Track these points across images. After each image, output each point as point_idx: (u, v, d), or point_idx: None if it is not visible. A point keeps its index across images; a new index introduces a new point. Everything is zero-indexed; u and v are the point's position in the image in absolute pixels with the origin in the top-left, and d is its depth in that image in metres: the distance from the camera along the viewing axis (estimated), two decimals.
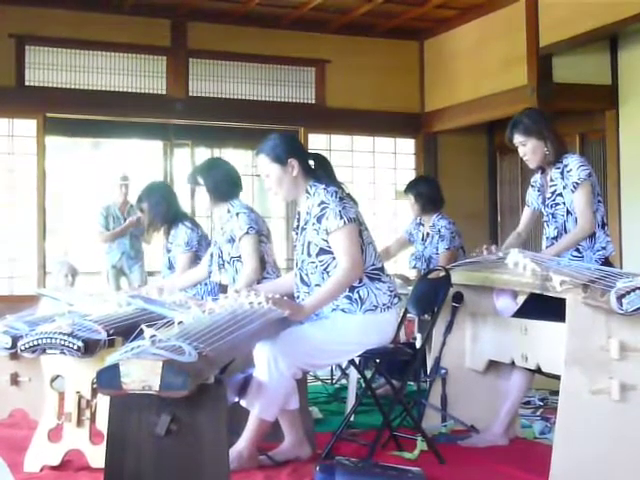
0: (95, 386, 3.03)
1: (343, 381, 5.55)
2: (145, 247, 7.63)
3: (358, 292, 3.42)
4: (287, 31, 8.38)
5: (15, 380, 3.90)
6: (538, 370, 3.56)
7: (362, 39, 8.67)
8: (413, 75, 8.91)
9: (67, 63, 7.81)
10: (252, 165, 8.27)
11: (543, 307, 3.39)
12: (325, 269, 3.44)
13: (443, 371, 4.02)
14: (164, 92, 8.11)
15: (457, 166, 8.95)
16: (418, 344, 4.37)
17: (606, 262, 3.79)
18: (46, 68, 7.74)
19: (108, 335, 3.09)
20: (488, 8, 7.93)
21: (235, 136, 8.87)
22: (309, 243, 3.47)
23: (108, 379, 2.23)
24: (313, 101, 8.65)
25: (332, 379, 5.77)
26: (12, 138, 7.66)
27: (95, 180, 9.00)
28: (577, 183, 3.79)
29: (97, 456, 3.23)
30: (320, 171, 3.57)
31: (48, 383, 3.37)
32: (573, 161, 3.84)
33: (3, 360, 3.78)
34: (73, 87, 7.82)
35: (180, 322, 2.74)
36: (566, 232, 3.85)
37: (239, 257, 4.21)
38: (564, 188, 3.85)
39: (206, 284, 4.75)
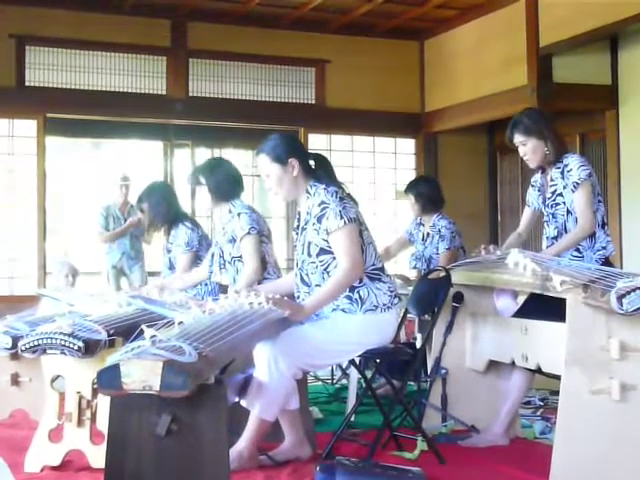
0: (96, 386, 3.02)
1: (343, 381, 5.55)
2: (145, 247, 7.63)
3: (358, 292, 3.42)
4: (287, 31, 8.38)
5: (15, 380, 3.90)
6: (538, 370, 3.56)
7: (362, 39, 8.67)
8: (413, 75, 8.91)
9: (67, 63, 7.81)
10: (252, 165, 8.26)
11: (543, 307, 3.40)
12: (325, 269, 3.44)
13: (443, 371, 4.02)
14: (164, 92, 8.11)
15: (457, 166, 8.95)
16: (418, 344, 4.37)
17: (606, 262, 3.80)
18: (46, 68, 7.74)
19: (108, 335, 3.09)
20: (488, 8, 7.93)
21: (235, 136, 8.87)
22: (309, 243, 3.47)
23: (109, 379, 2.23)
24: (313, 101, 8.65)
25: (332, 379, 5.77)
26: (12, 138, 7.66)
27: (95, 180, 9.00)
28: (577, 183, 3.79)
29: (98, 456, 3.23)
30: (320, 171, 3.57)
31: (49, 383, 3.37)
32: (573, 161, 3.84)
33: (3, 360, 3.78)
34: (73, 87, 7.82)
35: (180, 322, 2.74)
36: (566, 232, 3.85)
37: (240, 257, 4.21)
38: (564, 188, 3.85)
39: (206, 284, 4.76)
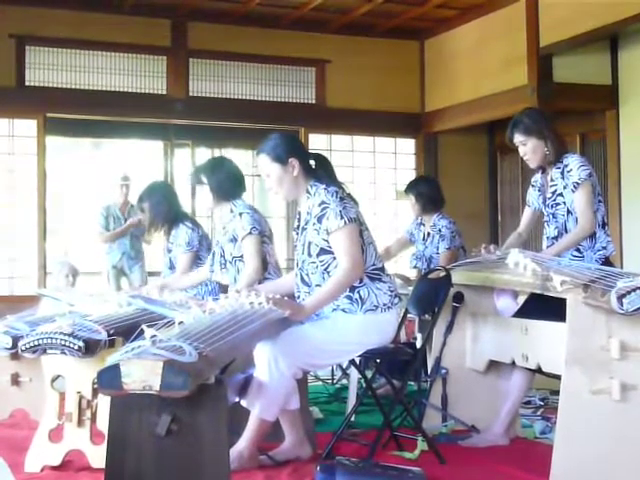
0: (96, 386, 3.03)
1: (344, 381, 5.55)
2: (145, 247, 7.63)
3: (359, 292, 3.42)
4: (287, 31, 8.38)
5: (16, 380, 3.90)
6: (539, 370, 3.56)
7: (362, 39, 8.67)
8: (413, 75, 8.91)
9: (67, 63, 7.81)
10: (252, 165, 8.27)
11: (544, 307, 3.40)
12: (326, 269, 3.44)
13: (444, 371, 4.02)
14: (164, 92, 8.11)
15: (457, 166, 8.95)
16: (418, 344, 4.37)
17: (606, 262, 3.79)
18: (46, 68, 7.74)
19: (109, 335, 3.09)
20: (488, 8, 7.93)
21: (235, 136, 8.87)
22: (310, 243, 3.47)
23: (109, 379, 2.23)
24: (313, 101, 8.65)
25: (333, 379, 5.77)
26: (12, 138, 7.66)
27: (95, 180, 9.00)
28: (577, 183, 3.79)
29: (98, 456, 3.23)
30: (321, 171, 3.57)
31: (49, 383, 3.37)
32: (573, 161, 3.84)
33: (4, 360, 3.78)
34: (73, 87, 7.82)
35: (180, 322, 2.74)
36: (567, 232, 3.85)
37: (241, 257, 4.21)
38: (564, 188, 3.84)
39: (207, 284, 4.76)
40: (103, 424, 3.18)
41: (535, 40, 7.36)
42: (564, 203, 3.85)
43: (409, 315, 4.30)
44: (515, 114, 4.02)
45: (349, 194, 3.54)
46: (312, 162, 3.59)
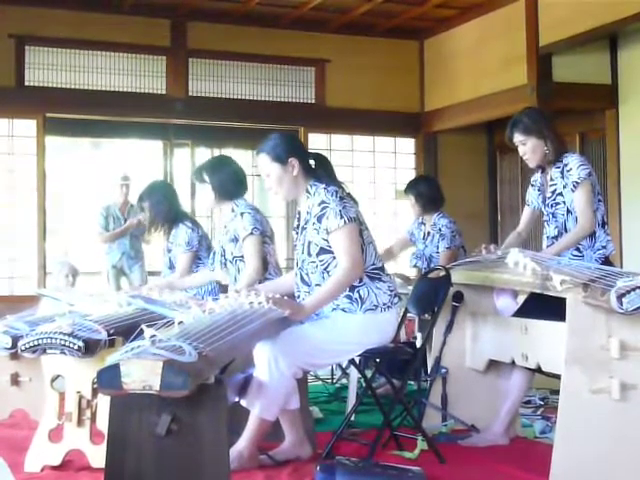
0: (96, 386, 3.02)
1: (344, 380, 5.55)
2: (145, 247, 7.62)
3: (358, 292, 3.42)
4: (287, 31, 8.38)
5: (15, 380, 3.90)
6: (538, 369, 3.56)
7: (362, 39, 8.67)
8: (413, 75, 8.91)
9: (67, 63, 7.81)
10: (252, 165, 8.26)
11: (543, 306, 3.39)
12: (325, 269, 3.44)
13: (443, 370, 4.02)
14: (164, 92, 8.11)
15: (457, 165, 8.95)
16: (418, 343, 4.37)
17: (606, 261, 3.80)
18: (46, 68, 7.74)
19: (108, 335, 3.09)
20: (488, 7, 7.93)
21: (235, 136, 8.87)
22: (309, 243, 3.47)
23: (109, 379, 2.23)
24: (313, 101, 8.65)
25: (332, 378, 5.77)
26: (12, 138, 7.66)
27: (95, 180, 9.00)
28: (577, 182, 3.79)
29: (98, 456, 3.23)
30: (320, 171, 3.57)
31: (48, 383, 3.37)
32: (573, 160, 3.84)
33: (3, 360, 3.78)
34: (73, 87, 7.82)
35: (180, 322, 2.74)
36: (566, 231, 3.85)
37: (242, 257, 4.21)
38: (564, 187, 3.85)
39: (207, 284, 4.76)
40: (103, 424, 3.17)
41: (535, 39, 7.36)
42: (564, 202, 3.85)
43: (409, 314, 4.30)
44: (515, 113, 4.02)
45: (349, 194, 3.54)
46: (312, 162, 3.59)
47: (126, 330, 3.12)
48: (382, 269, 3.51)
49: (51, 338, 3.00)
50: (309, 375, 4.44)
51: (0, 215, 7.62)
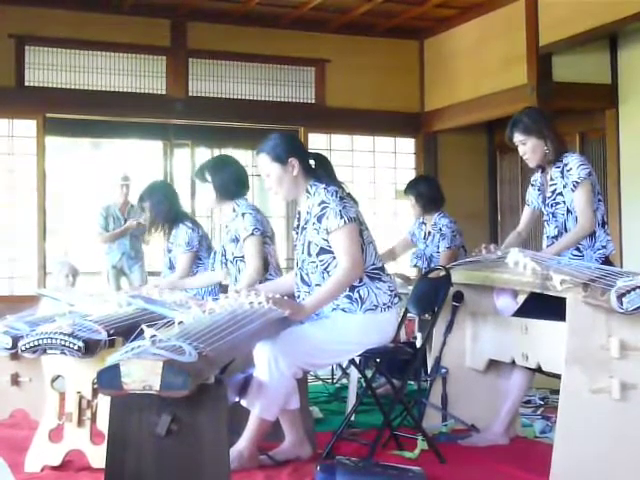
0: (96, 386, 3.02)
1: (344, 380, 5.55)
2: (145, 247, 7.62)
3: (358, 292, 3.42)
4: (287, 31, 8.38)
5: (16, 380, 3.90)
6: (538, 369, 3.56)
7: (362, 39, 8.67)
8: (413, 74, 8.91)
9: (67, 63, 7.81)
10: (252, 165, 8.26)
11: (543, 306, 3.39)
12: (325, 269, 3.44)
13: (443, 370, 4.02)
14: (164, 92, 8.11)
15: (457, 165, 8.95)
16: (418, 343, 4.37)
17: (606, 261, 3.80)
18: (46, 68, 7.74)
19: (108, 335, 3.09)
20: (488, 7, 7.93)
21: (235, 136, 8.88)
22: (309, 243, 3.47)
23: (109, 379, 2.23)
24: (313, 101, 8.65)
25: (333, 378, 5.77)
26: (12, 138, 7.66)
27: (95, 180, 9.00)
28: (577, 182, 3.79)
29: (98, 456, 3.23)
30: (320, 171, 3.57)
31: (49, 383, 3.37)
32: (573, 160, 3.84)
33: (4, 360, 3.78)
34: (73, 87, 7.82)
35: (180, 322, 2.74)
36: (566, 231, 3.85)
37: (242, 257, 4.20)
38: (564, 187, 3.85)
39: None
40: (103, 424, 3.18)
41: (535, 39, 7.36)
42: (564, 202, 3.85)
43: (409, 314, 4.30)
44: (515, 113, 4.02)
45: (349, 194, 3.54)
46: (312, 162, 3.59)
47: (126, 330, 3.12)
48: (382, 269, 3.51)
49: (51, 338, 3.00)
50: (309, 375, 4.44)
51: (0, 215, 7.62)
